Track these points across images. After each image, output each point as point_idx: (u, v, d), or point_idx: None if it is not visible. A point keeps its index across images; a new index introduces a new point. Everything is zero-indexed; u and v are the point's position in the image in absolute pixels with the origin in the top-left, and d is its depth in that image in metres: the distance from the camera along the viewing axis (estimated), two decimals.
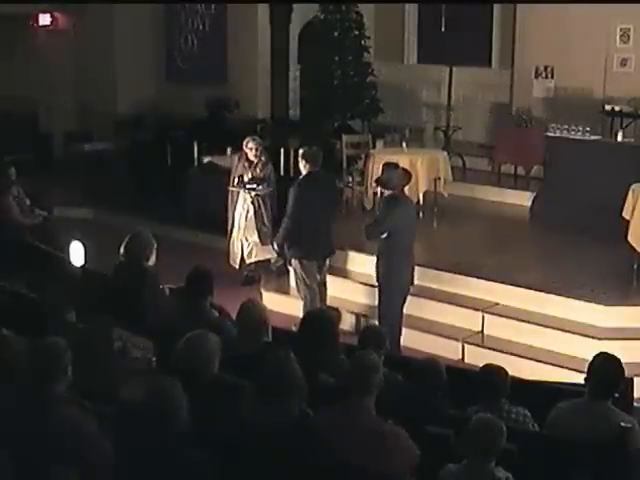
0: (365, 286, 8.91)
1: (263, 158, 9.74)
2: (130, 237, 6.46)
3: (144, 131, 14.03)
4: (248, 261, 9.91)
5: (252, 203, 9.74)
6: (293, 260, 8.61)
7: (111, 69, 14.86)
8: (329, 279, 8.91)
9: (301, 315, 8.27)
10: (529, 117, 12.39)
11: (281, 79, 14.14)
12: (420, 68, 14.79)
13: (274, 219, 9.69)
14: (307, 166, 8.32)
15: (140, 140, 13.70)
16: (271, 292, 9.54)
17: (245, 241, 9.85)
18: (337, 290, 9.11)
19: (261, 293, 9.48)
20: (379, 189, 7.96)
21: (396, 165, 7.91)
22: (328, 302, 8.80)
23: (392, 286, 7.76)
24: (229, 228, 9.94)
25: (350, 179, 11.76)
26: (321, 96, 13.40)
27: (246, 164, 9.70)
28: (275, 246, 8.65)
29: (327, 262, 8.85)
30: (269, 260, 9.96)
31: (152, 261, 6.38)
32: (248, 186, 9.66)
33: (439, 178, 11.04)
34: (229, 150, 11.60)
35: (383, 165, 7.97)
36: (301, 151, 8.45)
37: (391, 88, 14.15)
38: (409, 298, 8.02)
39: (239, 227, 9.81)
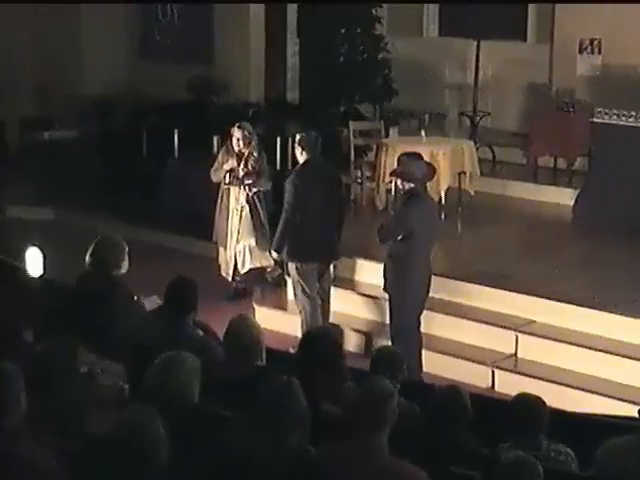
0: (376, 300, 8.90)
1: (255, 150, 9.75)
2: (97, 242, 6.46)
3: (115, 117, 14.05)
4: (243, 270, 9.90)
5: (247, 202, 9.75)
6: (289, 264, 8.64)
7: (76, 44, 14.87)
8: (333, 292, 8.91)
9: (301, 333, 8.34)
10: (571, 100, 12.39)
11: (277, 56, 14.15)
12: (442, 42, 14.80)
13: (269, 219, 9.72)
14: (303, 154, 8.43)
15: (110, 127, 13.72)
16: (265, 307, 9.54)
17: (237, 244, 9.83)
18: (342, 304, 9.12)
19: (254, 308, 9.49)
20: (394, 185, 7.99)
21: (418, 156, 7.94)
22: (331, 318, 8.80)
23: (405, 297, 7.78)
24: (217, 234, 9.93)
25: (359, 173, 11.77)
26: (324, 76, 13.40)
27: (236, 157, 9.70)
28: (274, 253, 8.68)
29: (331, 269, 8.87)
30: (265, 269, 9.97)
31: (124, 267, 6.40)
32: (247, 181, 9.66)
33: (464, 173, 11.05)
34: (215, 140, 11.62)
35: (400, 156, 7.98)
36: (297, 137, 8.54)
37: (407, 66, 14.15)
38: (427, 314, 8.02)
39: (231, 233, 9.81)
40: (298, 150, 8.51)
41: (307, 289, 8.53)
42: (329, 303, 8.80)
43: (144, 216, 11.92)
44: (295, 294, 8.72)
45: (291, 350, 8.08)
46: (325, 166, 8.63)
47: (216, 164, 9.83)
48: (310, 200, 8.35)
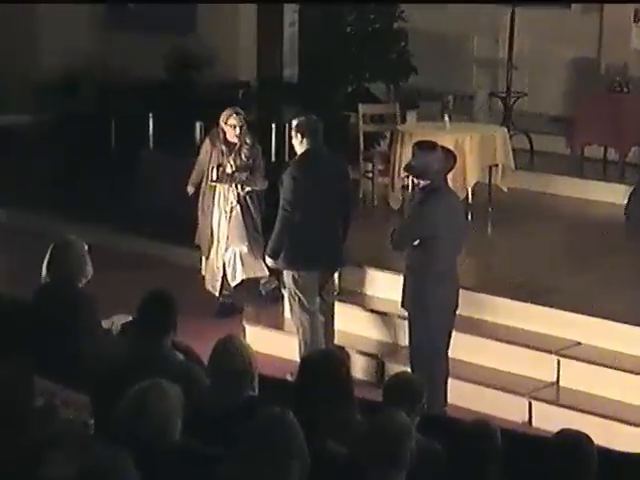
0: (389, 317, 8.93)
1: (248, 139, 9.77)
2: (54, 247, 6.49)
3: (77, 99, 14.06)
4: (234, 283, 9.90)
5: (239, 202, 9.77)
6: (285, 273, 8.67)
7: (30, 12, 14.87)
8: (338, 309, 8.94)
9: (299, 357, 8.38)
10: (624, 78, 12.40)
11: (272, 25, 14.16)
12: (469, 10, 14.80)
13: (262, 221, 9.74)
14: (304, 142, 8.48)
15: (72, 112, 13.73)
16: (258, 326, 9.56)
17: (225, 252, 9.84)
18: (349, 322, 9.14)
19: (244, 327, 9.51)
20: (411, 180, 8.01)
21: (433, 144, 7.94)
22: (336, 338, 8.84)
23: (426, 315, 7.78)
24: (200, 240, 9.95)
25: (369, 167, 11.79)
26: (328, 49, 13.42)
27: (224, 148, 9.72)
28: (268, 259, 8.72)
29: (335, 279, 8.89)
30: (258, 280, 9.98)
31: (89, 274, 6.43)
32: (239, 178, 9.67)
33: (496, 165, 11.06)
34: (198, 126, 11.63)
35: (414, 145, 8.00)
36: (295, 122, 8.58)
37: (428, 38, 14.16)
38: (453, 334, 8.04)
39: (219, 239, 9.83)
40: (297, 138, 8.54)
41: (306, 303, 8.55)
42: (333, 320, 8.82)
43: (114, 218, 11.94)
44: (291, 309, 8.74)
45: (289, 377, 8.10)
46: (329, 157, 8.66)
47: (199, 160, 9.83)
48: (311, 197, 8.39)
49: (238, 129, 9.65)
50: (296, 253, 8.50)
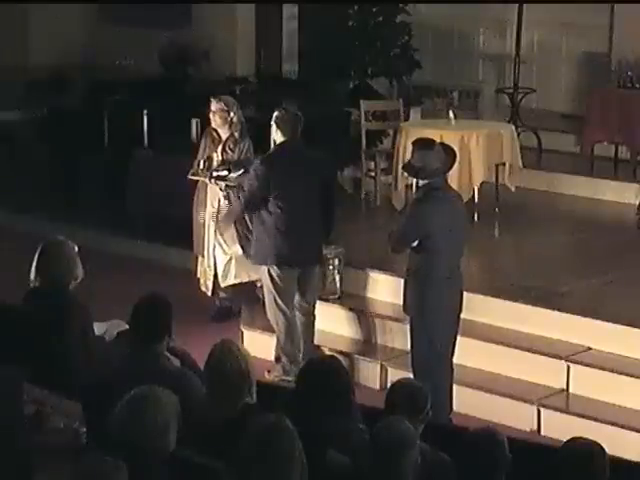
0: (394, 322, 8.93)
1: (237, 132, 9.76)
2: (42, 249, 6.49)
3: (68, 95, 14.04)
4: (224, 284, 9.89)
5: (226, 198, 9.76)
6: (261, 269, 8.73)
7: (22, 7, 14.85)
8: (339, 313, 8.94)
9: (274, 356, 8.43)
10: (636, 74, 12.39)
11: (271, 20, 14.17)
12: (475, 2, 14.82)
13: None
14: (278, 134, 8.65)
15: (62, 108, 13.71)
16: (257, 331, 9.54)
17: (221, 253, 9.83)
18: (350, 326, 9.17)
19: (242, 332, 9.51)
20: (414, 180, 7.99)
21: (431, 142, 7.94)
22: (338, 344, 8.85)
23: (429, 319, 7.77)
24: (195, 239, 9.95)
25: (372, 165, 11.78)
26: (329, 44, 13.41)
27: (215, 135, 9.72)
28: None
29: (315, 276, 8.92)
30: (254, 283, 9.97)
31: (79, 276, 6.42)
32: (216, 173, 9.67)
33: (503, 164, 11.06)
34: (194, 123, 11.62)
35: (413, 143, 8.01)
36: (274, 115, 8.68)
37: (432, 32, 14.16)
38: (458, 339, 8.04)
39: (209, 237, 9.82)
40: (274, 130, 8.68)
41: (282, 303, 8.60)
42: (314, 322, 8.84)
43: (107, 220, 11.94)
44: (267, 307, 8.78)
45: (266, 375, 8.15)
46: (305, 152, 8.74)
47: (199, 155, 9.84)
48: (285, 189, 8.46)
49: (212, 114, 9.65)
50: (271, 249, 8.57)
